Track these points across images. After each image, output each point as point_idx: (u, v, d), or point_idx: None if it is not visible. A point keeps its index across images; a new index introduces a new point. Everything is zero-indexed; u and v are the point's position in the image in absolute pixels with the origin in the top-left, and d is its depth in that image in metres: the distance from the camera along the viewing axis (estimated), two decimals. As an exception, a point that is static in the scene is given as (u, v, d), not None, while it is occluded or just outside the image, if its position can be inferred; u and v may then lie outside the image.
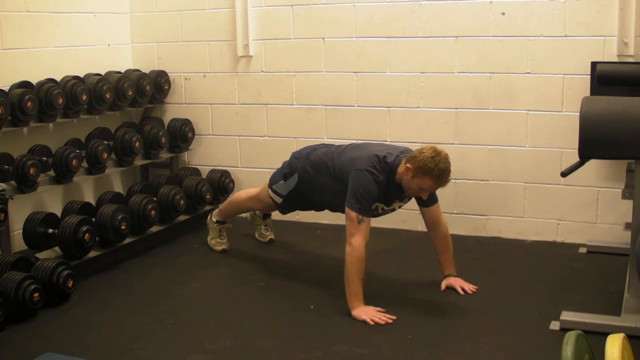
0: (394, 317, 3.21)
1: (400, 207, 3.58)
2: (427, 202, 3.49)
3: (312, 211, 4.02)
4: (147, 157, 4.68)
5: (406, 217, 4.51)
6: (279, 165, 4.84)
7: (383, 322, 3.18)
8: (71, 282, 3.53)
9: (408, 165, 3.24)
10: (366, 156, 3.35)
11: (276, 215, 4.31)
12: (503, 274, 3.81)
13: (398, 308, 3.31)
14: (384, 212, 3.54)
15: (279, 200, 3.85)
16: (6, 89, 3.91)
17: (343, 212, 3.38)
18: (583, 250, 4.12)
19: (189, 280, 3.87)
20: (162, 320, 3.31)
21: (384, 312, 3.25)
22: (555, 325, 3.09)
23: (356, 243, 3.26)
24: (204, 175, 4.88)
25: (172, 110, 5.08)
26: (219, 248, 4.25)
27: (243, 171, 4.99)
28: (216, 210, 4.33)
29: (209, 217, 4.34)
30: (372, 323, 3.17)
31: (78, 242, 3.74)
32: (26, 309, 3.29)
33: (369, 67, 4.53)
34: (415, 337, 3.07)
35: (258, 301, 3.55)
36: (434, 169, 3.19)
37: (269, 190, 3.88)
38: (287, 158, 4.78)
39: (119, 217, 3.95)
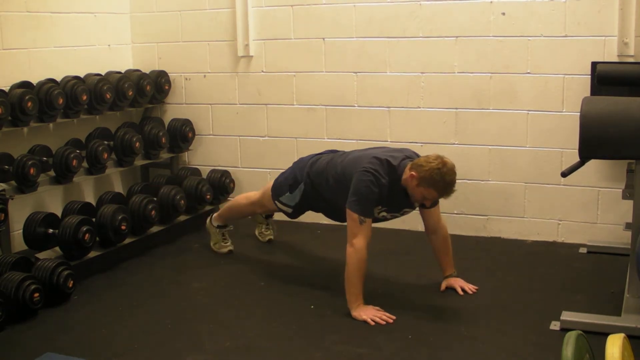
0: (394, 317, 3.21)
1: (409, 212, 3.54)
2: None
3: (312, 211, 3.99)
4: (148, 157, 4.68)
5: (406, 217, 4.48)
6: (279, 165, 4.85)
7: (383, 322, 3.18)
8: (71, 282, 3.52)
9: (413, 173, 3.20)
10: (368, 158, 3.32)
11: (275, 215, 4.30)
12: (503, 274, 3.81)
13: (398, 308, 3.31)
14: (392, 217, 3.50)
15: (288, 210, 3.80)
16: (6, 89, 3.91)
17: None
18: (583, 250, 4.12)
19: (189, 280, 3.87)
20: (162, 320, 3.31)
21: (383, 312, 3.24)
22: (555, 325, 3.09)
23: (358, 244, 3.24)
24: (204, 175, 4.88)
25: (173, 110, 5.08)
26: (224, 250, 4.23)
27: (243, 171, 4.99)
28: (215, 215, 4.28)
29: (208, 222, 4.29)
30: (372, 323, 3.17)
31: (78, 242, 3.74)
32: (26, 309, 3.29)
33: (369, 67, 4.53)
34: (415, 337, 3.07)
35: (258, 301, 3.55)
36: (440, 181, 3.15)
37: (276, 202, 3.80)
38: (287, 158, 4.79)
39: (119, 217, 3.95)
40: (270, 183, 3.90)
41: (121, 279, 3.88)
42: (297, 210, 3.80)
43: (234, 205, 4.21)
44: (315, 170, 3.61)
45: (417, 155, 3.39)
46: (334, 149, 3.88)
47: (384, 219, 3.48)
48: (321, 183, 3.57)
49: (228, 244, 4.25)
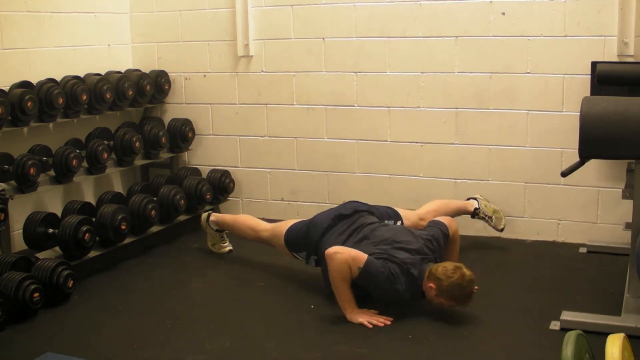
0: (391, 319, 3.21)
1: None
2: None
3: (312, 211, 3.97)
4: (147, 157, 4.68)
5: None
6: (279, 165, 4.87)
7: (381, 324, 3.17)
8: (71, 282, 3.52)
9: (432, 285, 3.16)
10: (395, 259, 3.22)
11: (275, 215, 4.29)
12: (503, 274, 3.81)
13: (398, 308, 3.31)
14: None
15: (306, 261, 3.66)
16: (6, 89, 3.91)
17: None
18: (583, 250, 4.12)
19: (189, 280, 3.87)
20: (162, 320, 3.31)
21: (379, 315, 3.23)
22: (555, 325, 3.09)
23: (341, 257, 3.16)
24: (204, 175, 4.88)
25: (172, 110, 5.08)
26: (224, 250, 4.21)
27: (243, 171, 4.98)
28: (215, 219, 4.17)
29: (203, 221, 4.21)
30: (370, 326, 3.16)
31: (78, 242, 3.74)
32: (26, 309, 3.29)
33: (369, 67, 4.53)
34: (415, 337, 3.07)
35: (258, 301, 3.55)
36: (459, 295, 3.14)
37: (293, 254, 3.70)
38: (287, 158, 4.82)
39: (119, 217, 3.95)
40: (282, 226, 3.77)
41: (121, 279, 3.88)
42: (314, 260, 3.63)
43: (237, 227, 4.08)
44: (326, 246, 3.41)
45: (435, 244, 3.37)
46: (344, 213, 3.63)
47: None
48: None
49: (226, 244, 4.23)
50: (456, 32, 4.29)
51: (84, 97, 4.20)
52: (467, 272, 3.15)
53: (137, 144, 4.43)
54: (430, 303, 3.26)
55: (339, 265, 3.17)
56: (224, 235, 4.24)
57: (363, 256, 3.20)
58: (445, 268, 3.17)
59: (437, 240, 3.42)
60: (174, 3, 4.95)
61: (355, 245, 3.36)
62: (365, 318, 3.19)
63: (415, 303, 3.32)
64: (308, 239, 3.60)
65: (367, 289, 3.28)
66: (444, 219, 3.61)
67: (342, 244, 3.37)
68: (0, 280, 3.29)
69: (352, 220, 3.57)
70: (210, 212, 4.32)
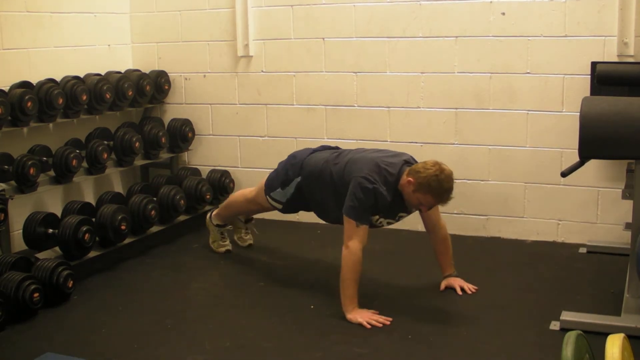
0: (390, 319, 3.21)
1: (404, 217, 3.53)
2: None
3: (303, 210, 3.97)
4: (147, 157, 4.68)
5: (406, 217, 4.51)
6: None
7: (380, 325, 3.17)
8: (71, 282, 3.52)
9: (410, 179, 3.19)
10: (368, 165, 3.29)
11: (275, 215, 4.29)
12: (503, 274, 3.82)
13: (398, 308, 3.31)
14: (388, 224, 3.47)
15: (279, 206, 3.79)
16: (6, 89, 3.91)
17: (342, 223, 3.32)
18: (583, 250, 4.12)
19: (189, 280, 3.87)
20: (162, 320, 3.31)
21: (379, 315, 3.24)
22: (555, 325, 3.09)
23: (354, 246, 3.23)
24: (204, 175, 4.88)
25: (172, 110, 5.08)
26: (222, 250, 4.22)
27: (243, 171, 4.99)
28: (215, 213, 4.25)
29: (207, 218, 4.29)
30: (368, 326, 3.16)
31: (78, 242, 3.74)
32: (26, 309, 3.29)
33: (369, 67, 4.53)
34: (415, 337, 3.07)
35: (258, 301, 3.55)
36: (437, 188, 3.15)
37: (267, 197, 3.78)
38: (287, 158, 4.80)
39: (119, 217, 3.95)
40: (264, 180, 3.88)
41: (121, 279, 3.88)
42: (288, 207, 3.78)
43: (231, 203, 4.19)
44: (309, 168, 3.58)
45: (416, 160, 3.38)
46: (328, 145, 3.87)
47: (380, 226, 3.46)
48: (315, 182, 3.55)
49: (226, 242, 4.24)
50: (456, 32, 4.29)
51: (84, 97, 4.20)
52: (446, 167, 3.19)
53: (137, 144, 4.43)
54: (409, 207, 3.30)
55: (354, 258, 3.21)
56: (225, 234, 4.25)
57: (349, 222, 3.24)
58: (425, 162, 3.23)
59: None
60: (174, 3, 4.95)
61: (341, 157, 3.47)
62: (365, 318, 3.19)
63: (401, 214, 3.40)
64: (290, 167, 3.66)
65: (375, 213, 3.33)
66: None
67: (327, 159, 3.50)
68: (0, 280, 3.29)
69: (336, 149, 3.70)
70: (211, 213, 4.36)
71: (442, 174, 3.15)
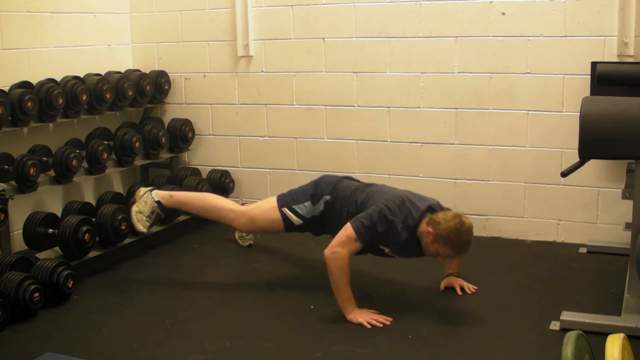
0: (390, 319, 3.21)
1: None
2: None
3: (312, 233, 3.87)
4: (147, 157, 4.68)
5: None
6: (279, 165, 4.87)
7: (380, 325, 3.17)
8: (71, 282, 3.52)
9: (430, 229, 3.15)
10: (394, 198, 3.24)
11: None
12: (503, 274, 3.81)
13: (398, 308, 3.31)
14: (393, 257, 3.40)
15: (298, 222, 3.54)
16: (6, 89, 3.91)
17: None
18: (583, 250, 4.12)
19: (189, 280, 3.86)
20: (162, 320, 3.31)
21: (379, 315, 3.23)
22: (555, 325, 3.09)
23: (341, 253, 3.17)
24: (204, 176, 4.89)
25: (172, 110, 5.08)
26: (140, 227, 3.76)
27: (243, 171, 4.99)
28: (163, 192, 3.79)
29: (144, 189, 3.79)
30: (368, 326, 3.15)
31: (78, 242, 3.74)
32: (26, 309, 3.29)
33: (369, 67, 4.53)
34: (415, 337, 3.07)
35: (258, 301, 3.55)
36: (457, 241, 3.12)
37: (286, 210, 3.53)
38: (287, 158, 4.82)
39: (119, 217, 3.95)
40: (264, 202, 3.69)
41: (121, 279, 3.88)
42: (308, 224, 3.56)
43: (208, 202, 3.75)
44: (340, 191, 3.47)
45: (441, 206, 3.34)
46: (355, 178, 3.71)
47: (393, 256, 3.38)
48: (341, 205, 3.44)
49: (149, 223, 3.79)
50: (456, 32, 4.29)
51: (84, 97, 4.20)
52: (467, 220, 3.16)
53: (137, 144, 4.43)
54: (426, 254, 3.24)
55: (341, 262, 3.17)
56: (154, 215, 3.81)
57: (348, 229, 3.18)
58: (445, 214, 3.18)
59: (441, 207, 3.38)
60: (174, 3, 4.95)
61: (369, 188, 3.42)
62: (365, 318, 3.19)
63: (411, 255, 3.32)
64: (321, 184, 3.52)
65: (377, 244, 3.27)
66: None
67: (358, 187, 3.44)
68: (0, 280, 3.29)
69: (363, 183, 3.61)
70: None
71: (462, 227, 3.12)
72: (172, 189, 4.05)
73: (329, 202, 3.48)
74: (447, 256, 3.21)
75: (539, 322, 3.15)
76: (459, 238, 3.12)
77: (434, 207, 3.30)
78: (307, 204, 3.52)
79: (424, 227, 3.18)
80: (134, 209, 3.78)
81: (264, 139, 4.89)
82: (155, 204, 3.76)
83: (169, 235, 4.49)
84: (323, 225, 3.55)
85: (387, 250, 3.32)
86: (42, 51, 4.31)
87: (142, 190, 3.81)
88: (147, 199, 3.77)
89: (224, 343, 3.07)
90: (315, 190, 3.53)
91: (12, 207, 3.82)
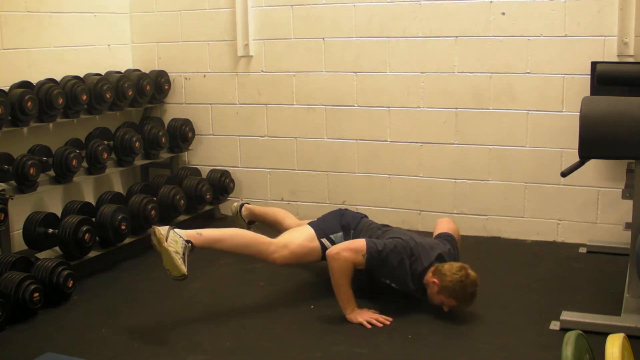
0: (390, 319, 3.21)
1: None
2: None
3: (311, 211, 3.94)
4: (147, 157, 4.68)
5: (406, 217, 4.51)
6: (279, 165, 4.87)
7: (380, 325, 3.17)
8: (71, 282, 3.52)
9: (435, 280, 3.18)
10: (410, 241, 3.30)
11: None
12: (503, 274, 3.81)
13: (398, 308, 3.31)
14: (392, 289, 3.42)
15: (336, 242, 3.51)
16: (6, 89, 3.91)
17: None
18: (583, 250, 4.12)
19: (189, 280, 3.85)
20: (162, 320, 3.31)
21: (379, 314, 3.24)
22: (555, 325, 3.09)
23: (345, 255, 3.19)
24: (204, 175, 4.88)
25: (172, 110, 5.08)
26: (184, 269, 3.19)
27: (243, 171, 4.99)
28: (189, 231, 3.37)
29: (161, 228, 3.25)
30: (369, 326, 3.16)
31: (78, 242, 3.74)
32: (26, 309, 3.29)
33: (369, 67, 4.53)
34: (415, 337, 3.07)
35: (258, 301, 3.55)
36: (461, 293, 3.15)
37: (325, 240, 3.50)
38: (287, 158, 4.82)
39: (119, 217, 3.95)
40: (296, 233, 3.56)
41: (121, 279, 3.88)
42: None
43: (246, 240, 3.47)
44: (363, 227, 3.54)
45: (451, 253, 3.40)
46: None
47: (389, 286, 3.40)
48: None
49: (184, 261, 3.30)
50: (456, 32, 4.29)
51: (84, 97, 4.20)
52: (472, 273, 3.18)
53: (137, 144, 4.43)
54: (430, 302, 3.27)
55: (343, 264, 3.19)
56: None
57: (362, 242, 3.24)
58: (451, 265, 3.21)
59: (454, 257, 3.44)
60: (174, 3, 4.95)
61: (381, 234, 3.43)
62: (365, 318, 3.19)
63: (415, 295, 3.33)
64: (345, 220, 3.59)
65: (379, 275, 3.29)
66: (449, 229, 3.62)
67: (379, 227, 3.51)
68: (0, 280, 3.29)
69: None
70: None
71: (467, 280, 3.14)
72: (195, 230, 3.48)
73: (355, 236, 3.52)
74: (452, 306, 3.23)
75: (539, 322, 3.15)
76: (464, 290, 3.14)
77: (442, 256, 3.34)
78: (340, 234, 3.56)
79: (430, 277, 3.22)
80: (171, 250, 3.18)
81: (264, 138, 4.89)
82: (186, 244, 3.31)
83: (169, 235, 4.48)
84: None
85: (393, 285, 3.33)
86: (42, 51, 4.31)
87: (162, 229, 3.25)
88: (176, 238, 3.29)
89: (224, 343, 3.07)
90: (342, 222, 3.59)
91: (12, 207, 3.82)
